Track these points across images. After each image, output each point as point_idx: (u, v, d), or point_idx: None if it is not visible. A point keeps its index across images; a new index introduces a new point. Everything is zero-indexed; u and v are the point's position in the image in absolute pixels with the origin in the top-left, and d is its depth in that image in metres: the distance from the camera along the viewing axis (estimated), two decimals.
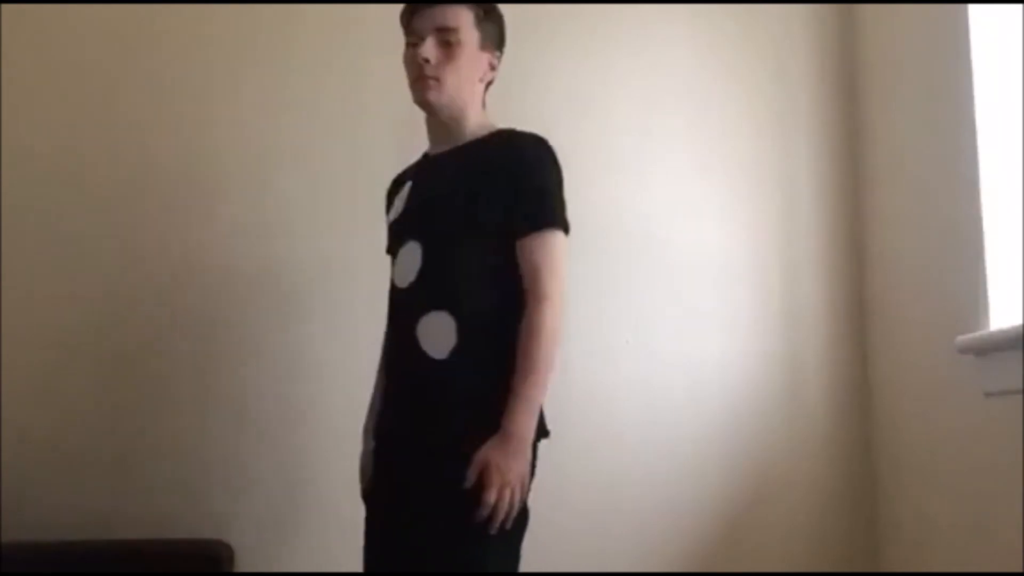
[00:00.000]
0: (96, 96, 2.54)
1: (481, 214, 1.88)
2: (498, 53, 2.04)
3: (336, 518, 2.40)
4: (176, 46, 2.57)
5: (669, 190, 2.64)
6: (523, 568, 2.41)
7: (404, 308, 1.92)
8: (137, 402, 2.45)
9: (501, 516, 1.78)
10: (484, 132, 1.98)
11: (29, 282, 2.46)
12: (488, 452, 1.78)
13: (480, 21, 1.99)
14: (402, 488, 1.85)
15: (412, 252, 1.91)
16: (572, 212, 2.58)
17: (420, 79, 1.94)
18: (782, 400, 2.59)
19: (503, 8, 2.59)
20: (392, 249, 1.99)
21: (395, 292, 1.95)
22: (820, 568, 2.53)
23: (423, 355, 1.86)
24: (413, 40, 1.97)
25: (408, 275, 1.91)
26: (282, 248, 2.52)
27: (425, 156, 2.06)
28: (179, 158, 2.53)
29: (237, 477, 2.44)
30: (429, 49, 1.92)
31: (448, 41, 1.94)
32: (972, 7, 2.14)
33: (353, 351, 2.40)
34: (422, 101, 1.97)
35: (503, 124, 2.58)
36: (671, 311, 2.59)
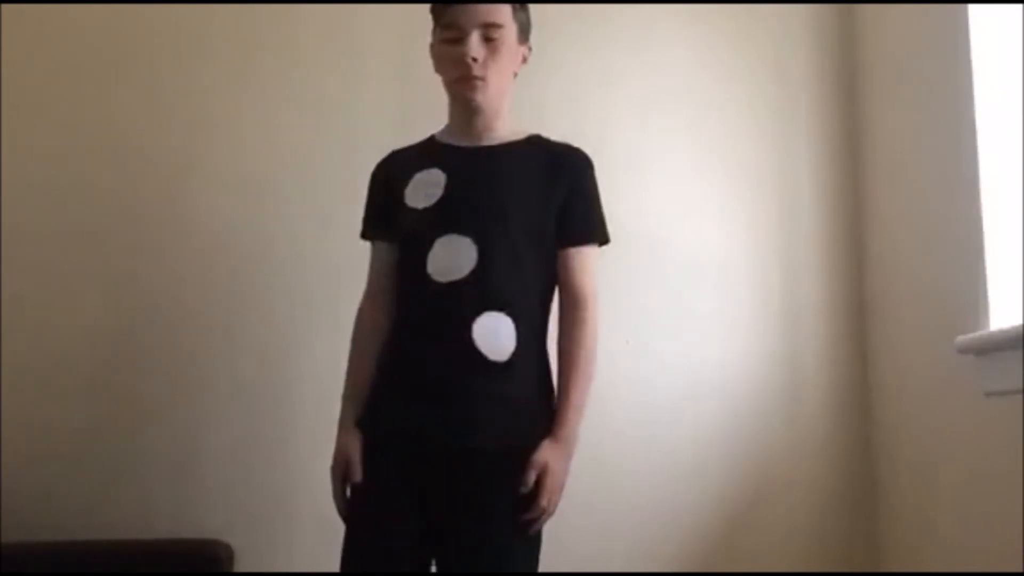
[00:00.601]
0: (96, 96, 2.54)
1: (545, 221, 1.93)
2: (529, 45, 2.02)
3: (336, 518, 2.40)
4: (176, 46, 2.57)
5: (669, 190, 2.64)
6: None
7: (450, 304, 1.86)
8: (137, 402, 2.45)
9: (548, 517, 1.87)
10: (516, 132, 2.00)
11: (28, 282, 2.46)
12: (545, 456, 1.84)
13: (516, 13, 1.97)
14: (456, 489, 1.83)
15: (459, 246, 1.87)
16: None
17: (467, 79, 1.91)
18: (782, 400, 2.59)
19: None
20: (418, 238, 1.91)
21: (432, 285, 1.87)
22: (820, 568, 2.53)
23: (479, 356, 1.85)
24: (452, 36, 1.92)
25: (456, 270, 1.87)
26: (283, 248, 2.52)
27: (449, 146, 1.99)
28: (180, 157, 2.53)
29: (237, 477, 2.44)
30: (477, 47, 1.89)
31: (491, 37, 1.91)
32: (972, 7, 2.14)
33: None
34: (468, 100, 1.94)
35: None
36: (670, 311, 2.59)
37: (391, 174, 2.01)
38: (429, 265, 1.88)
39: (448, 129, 2.02)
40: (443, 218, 1.90)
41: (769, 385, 2.59)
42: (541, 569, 2.44)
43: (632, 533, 2.51)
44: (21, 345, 2.44)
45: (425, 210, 1.92)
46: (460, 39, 1.91)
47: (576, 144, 2.59)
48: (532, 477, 1.83)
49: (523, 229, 1.91)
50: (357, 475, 1.88)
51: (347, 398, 1.97)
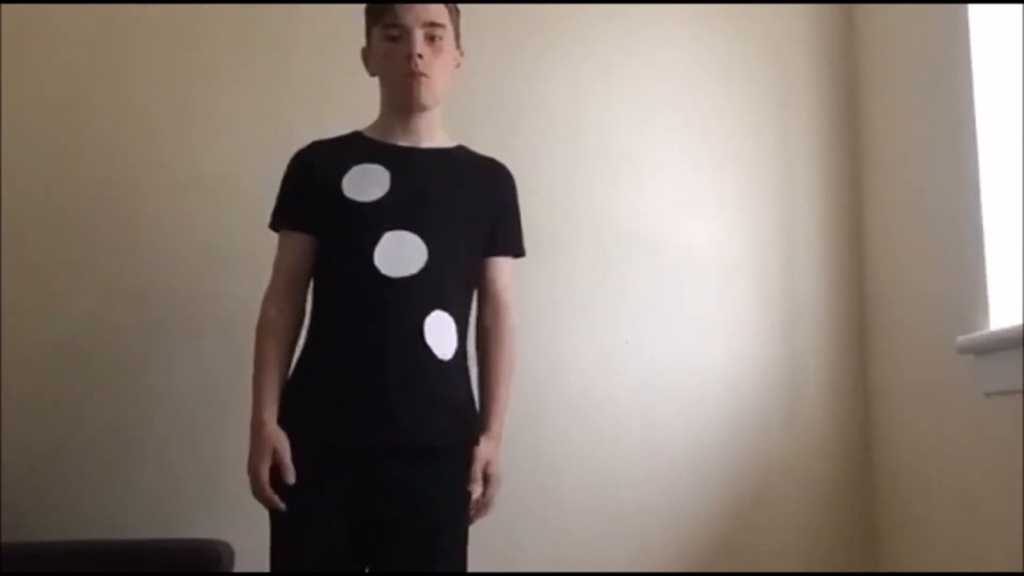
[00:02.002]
0: (95, 96, 2.54)
1: (481, 231, 1.99)
2: (461, 50, 2.05)
3: None
4: (177, 45, 2.57)
5: (668, 190, 2.64)
6: (523, 568, 2.42)
7: (399, 300, 1.87)
8: (137, 402, 2.45)
9: (489, 510, 1.94)
10: (446, 138, 2.04)
11: (29, 282, 2.46)
12: (486, 452, 1.91)
13: (452, 16, 2.00)
14: (409, 497, 1.84)
15: (409, 242, 1.89)
16: (571, 211, 2.60)
17: (412, 75, 1.91)
18: (782, 400, 2.59)
19: (503, 8, 2.62)
20: (362, 231, 1.89)
21: (380, 280, 1.86)
22: (820, 568, 2.53)
23: (431, 354, 1.88)
24: (395, 33, 1.93)
25: (406, 266, 1.88)
26: None
27: (387, 144, 1.98)
28: (178, 156, 2.53)
29: (237, 477, 2.44)
30: (421, 44, 1.91)
31: (434, 36, 1.94)
32: (972, 7, 2.14)
33: None
34: (412, 97, 1.94)
35: (503, 124, 2.59)
36: (670, 311, 2.60)
37: (322, 163, 1.97)
38: (377, 259, 1.87)
39: (380, 128, 2.02)
40: (391, 213, 1.90)
41: (769, 385, 2.59)
42: (543, 569, 2.45)
43: (632, 533, 2.51)
44: (21, 345, 2.44)
45: (371, 204, 1.91)
46: (403, 37, 1.92)
47: (576, 144, 2.61)
48: (479, 473, 1.89)
49: (462, 232, 1.96)
50: (290, 477, 1.84)
51: (266, 392, 1.89)
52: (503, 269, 2.03)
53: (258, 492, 1.86)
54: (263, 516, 2.41)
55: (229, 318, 2.49)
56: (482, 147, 2.37)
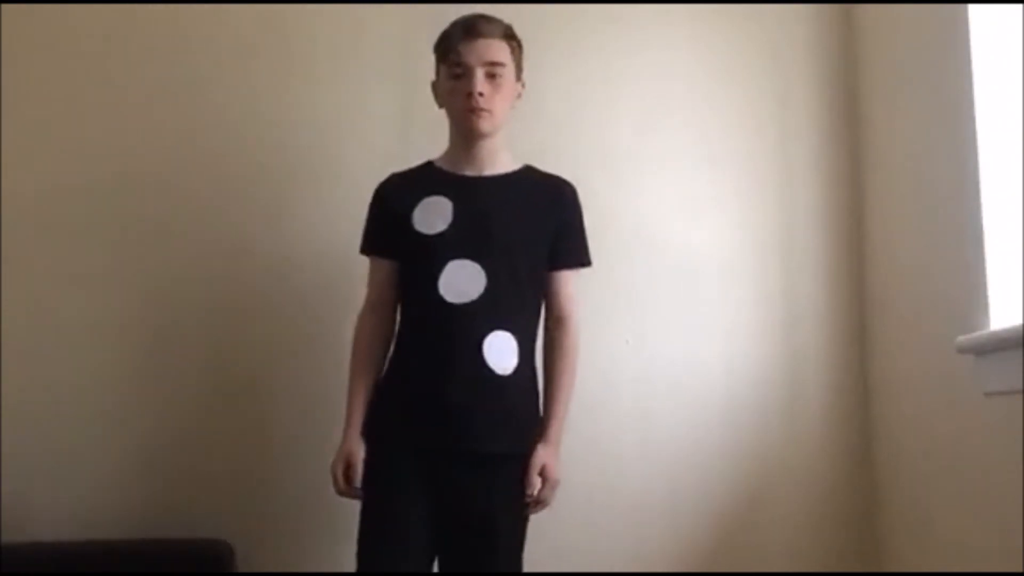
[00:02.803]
0: (97, 97, 2.54)
1: (540, 248, 2.16)
2: (523, 81, 2.22)
3: (336, 518, 2.41)
4: (180, 45, 2.57)
5: (669, 190, 2.64)
6: (523, 568, 2.41)
7: (462, 325, 2.07)
8: (137, 402, 2.46)
9: (546, 506, 2.14)
10: (512, 162, 2.21)
11: (31, 279, 2.46)
12: (543, 458, 2.11)
13: (514, 52, 2.18)
14: (473, 497, 2.05)
15: (468, 271, 2.09)
16: None
17: (474, 111, 2.10)
18: (782, 400, 2.59)
19: (503, 8, 2.61)
20: (428, 262, 2.10)
21: (444, 306, 2.07)
22: (820, 568, 2.53)
23: (489, 371, 2.07)
24: (459, 71, 2.11)
25: (467, 293, 2.08)
26: (286, 250, 2.52)
27: (453, 175, 2.17)
28: (186, 158, 2.54)
29: (237, 477, 2.45)
30: (483, 83, 2.10)
31: (494, 74, 2.12)
32: (972, 7, 2.14)
33: None
34: (474, 131, 2.13)
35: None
36: (670, 311, 2.60)
37: (395, 197, 2.18)
38: (441, 288, 2.08)
39: (449, 158, 2.20)
40: (453, 244, 2.10)
41: (769, 385, 2.59)
42: (540, 569, 2.45)
43: (632, 533, 2.51)
44: (21, 345, 2.44)
45: (435, 236, 2.11)
46: (466, 75, 2.10)
47: (576, 144, 2.61)
48: (536, 477, 2.08)
49: (522, 255, 2.13)
50: (358, 479, 2.09)
51: (354, 403, 2.14)
52: (566, 281, 2.20)
53: (335, 488, 2.12)
54: (263, 516, 2.44)
55: (231, 318, 2.49)
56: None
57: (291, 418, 2.46)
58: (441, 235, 2.11)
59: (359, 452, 2.10)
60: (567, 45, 2.65)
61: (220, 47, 2.58)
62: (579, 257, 2.22)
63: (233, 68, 2.57)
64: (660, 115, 2.66)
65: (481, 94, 2.09)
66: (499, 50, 2.13)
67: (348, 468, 2.10)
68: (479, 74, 2.10)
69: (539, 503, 2.12)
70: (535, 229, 2.16)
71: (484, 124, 2.12)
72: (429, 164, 2.23)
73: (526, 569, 2.42)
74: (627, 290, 2.59)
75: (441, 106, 2.19)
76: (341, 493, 2.12)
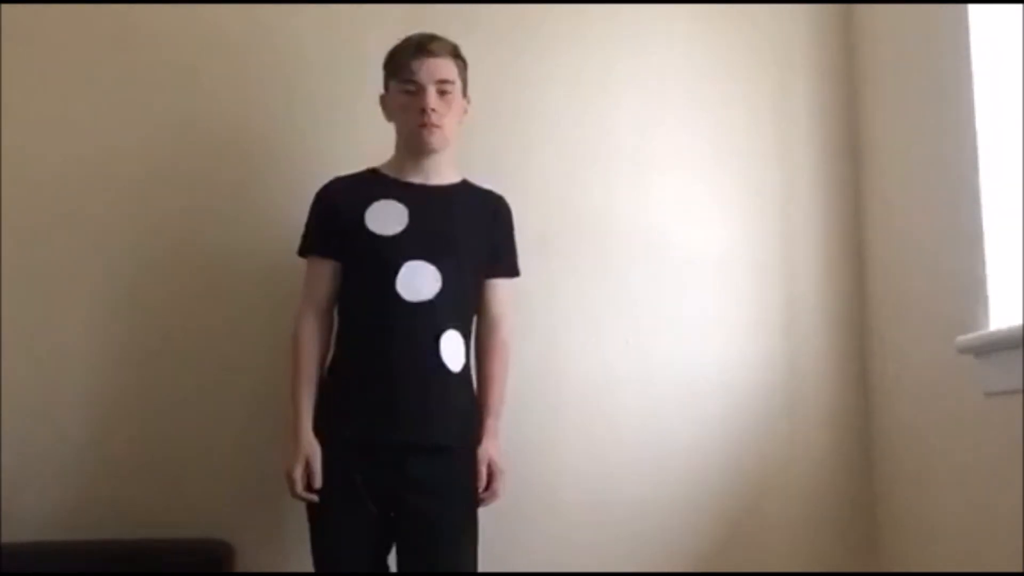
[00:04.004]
0: (96, 97, 2.54)
1: (483, 257, 2.27)
2: (468, 98, 2.30)
3: None
4: (179, 45, 2.57)
5: (668, 190, 2.64)
6: (523, 568, 2.42)
7: (419, 322, 2.16)
8: (137, 402, 2.46)
9: (498, 498, 2.21)
10: (453, 175, 2.31)
11: (30, 280, 2.46)
12: (490, 451, 2.21)
13: (461, 71, 2.26)
14: (434, 490, 2.13)
15: (424, 271, 2.17)
16: (571, 211, 2.60)
17: (425, 125, 2.19)
18: (782, 400, 2.59)
19: (504, 8, 2.62)
20: (385, 261, 2.17)
21: (401, 304, 2.15)
22: (820, 568, 2.53)
23: (445, 368, 2.17)
24: (411, 88, 2.20)
25: (422, 292, 2.16)
26: (284, 251, 2.51)
27: (403, 182, 2.26)
28: (181, 159, 2.54)
29: (237, 477, 2.45)
30: (434, 99, 2.19)
31: (445, 91, 2.21)
32: (972, 7, 2.14)
33: None
34: (426, 145, 2.22)
35: (503, 124, 2.59)
36: (670, 311, 2.59)
37: (343, 199, 2.25)
38: (399, 286, 2.16)
39: (395, 167, 2.28)
40: (408, 245, 2.18)
41: (769, 385, 2.59)
42: (541, 569, 2.46)
43: (632, 533, 2.51)
44: (22, 345, 2.44)
45: (391, 237, 2.19)
46: (417, 92, 2.20)
47: (575, 144, 2.62)
48: (485, 469, 2.18)
49: (468, 260, 2.24)
50: (318, 481, 2.13)
51: (303, 405, 2.19)
52: (501, 289, 2.31)
53: (290, 490, 2.15)
54: (263, 516, 2.43)
55: (231, 320, 2.50)
56: (483, 147, 2.38)
57: (291, 418, 2.45)
58: (397, 236, 2.18)
59: (317, 454, 2.14)
60: (567, 45, 2.65)
61: (219, 47, 2.58)
62: (514, 268, 2.35)
63: (232, 68, 2.57)
64: (660, 115, 2.66)
65: (434, 110, 2.19)
66: (449, 68, 2.22)
67: (309, 471, 2.13)
68: (431, 91, 2.19)
69: (490, 495, 2.20)
70: (478, 238, 2.28)
71: (436, 140, 2.22)
72: (374, 171, 2.29)
73: (526, 569, 2.42)
74: (627, 290, 2.59)
75: (389, 119, 2.29)
76: (299, 497, 2.14)
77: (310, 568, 2.38)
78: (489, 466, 2.19)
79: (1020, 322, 1.96)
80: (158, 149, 2.54)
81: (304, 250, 2.28)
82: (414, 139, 2.23)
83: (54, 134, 2.52)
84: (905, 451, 2.45)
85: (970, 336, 2.09)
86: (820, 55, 2.70)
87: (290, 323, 2.46)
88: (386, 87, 2.28)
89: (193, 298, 2.50)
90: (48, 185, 2.50)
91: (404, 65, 2.21)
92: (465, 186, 2.33)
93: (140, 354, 2.47)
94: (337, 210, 2.24)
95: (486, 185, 2.36)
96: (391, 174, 2.28)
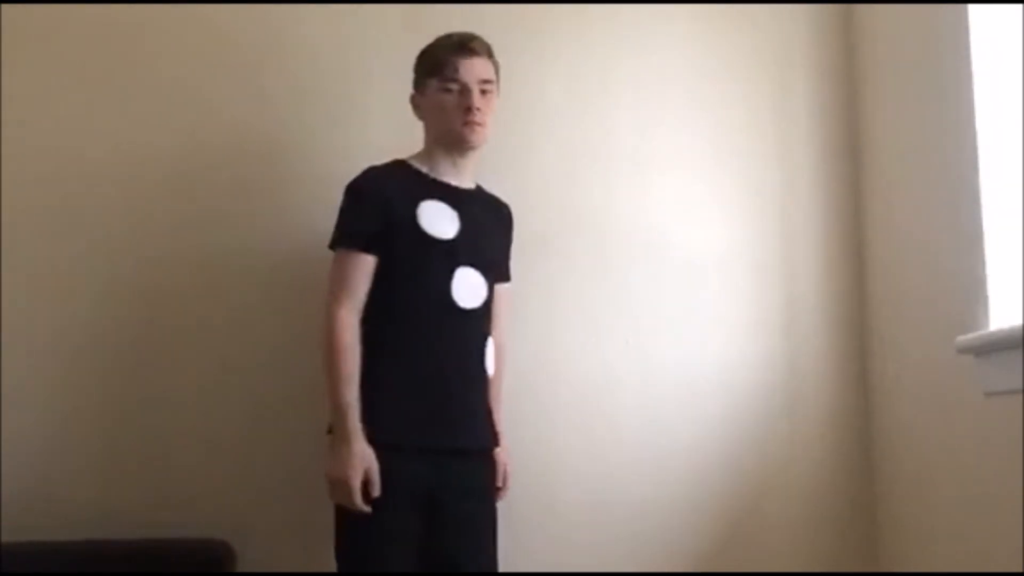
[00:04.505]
0: (96, 96, 2.54)
1: (502, 262, 2.35)
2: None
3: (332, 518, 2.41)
4: (179, 44, 2.56)
5: (669, 190, 2.64)
6: (523, 568, 2.42)
7: (470, 328, 2.19)
8: (137, 402, 2.45)
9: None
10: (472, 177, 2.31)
11: (30, 280, 2.46)
12: (504, 456, 2.29)
13: (497, 71, 2.27)
14: (474, 492, 2.17)
15: (475, 279, 2.19)
16: (572, 213, 2.61)
17: (469, 124, 2.19)
18: (782, 400, 2.59)
19: (504, 8, 2.62)
20: (440, 265, 2.15)
21: (456, 310, 2.16)
22: (820, 568, 2.53)
23: (486, 373, 2.23)
24: (453, 87, 2.19)
25: (473, 299, 2.18)
26: (283, 249, 2.52)
27: (445, 184, 2.23)
28: (183, 157, 2.53)
29: (237, 477, 2.45)
30: (479, 98, 2.19)
31: (485, 91, 2.22)
32: (972, 7, 2.14)
33: None
34: (468, 143, 2.22)
35: (503, 124, 2.59)
36: (670, 311, 2.59)
37: (394, 194, 2.18)
38: (454, 292, 2.15)
39: (429, 165, 2.25)
40: (461, 252, 2.18)
41: (769, 385, 2.59)
42: (541, 569, 2.46)
43: (632, 534, 2.51)
44: (22, 344, 2.44)
45: (447, 241, 2.16)
46: (463, 91, 2.19)
47: (575, 145, 2.62)
48: (503, 470, 2.28)
49: (495, 268, 2.29)
50: (377, 490, 2.05)
51: (353, 406, 2.09)
52: (502, 293, 2.33)
53: (346, 499, 2.05)
54: (263, 516, 2.43)
55: (231, 318, 2.49)
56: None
57: (291, 418, 2.45)
58: (452, 241, 2.16)
59: (375, 461, 2.06)
60: (567, 45, 2.65)
61: (219, 47, 2.57)
62: (509, 272, 2.38)
63: (232, 67, 2.57)
64: (660, 115, 2.66)
65: (478, 108, 2.18)
66: (489, 68, 2.23)
67: (367, 477, 2.05)
68: (476, 90, 2.19)
69: (504, 494, 2.29)
70: (501, 245, 2.34)
71: (478, 137, 2.21)
72: (406, 165, 2.25)
73: (525, 569, 2.43)
74: (627, 290, 2.59)
75: (422, 119, 2.26)
76: (354, 506, 2.05)
77: (310, 568, 2.39)
78: (504, 467, 2.28)
79: (1020, 322, 1.96)
80: (159, 149, 2.53)
81: (344, 243, 2.17)
82: (455, 137, 2.21)
83: (54, 135, 2.52)
84: (905, 451, 2.45)
85: (970, 336, 2.09)
86: (820, 55, 2.71)
87: (290, 323, 2.48)
88: (419, 86, 2.25)
89: (194, 298, 2.49)
90: (49, 185, 2.50)
91: (446, 64, 2.19)
92: (480, 191, 2.33)
93: (140, 354, 2.47)
94: (390, 205, 2.16)
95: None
96: (432, 174, 2.24)
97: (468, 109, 2.18)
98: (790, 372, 2.60)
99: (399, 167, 2.24)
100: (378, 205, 2.17)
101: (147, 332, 2.48)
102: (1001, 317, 2.07)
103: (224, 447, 2.45)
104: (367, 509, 2.04)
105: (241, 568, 2.34)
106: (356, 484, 2.04)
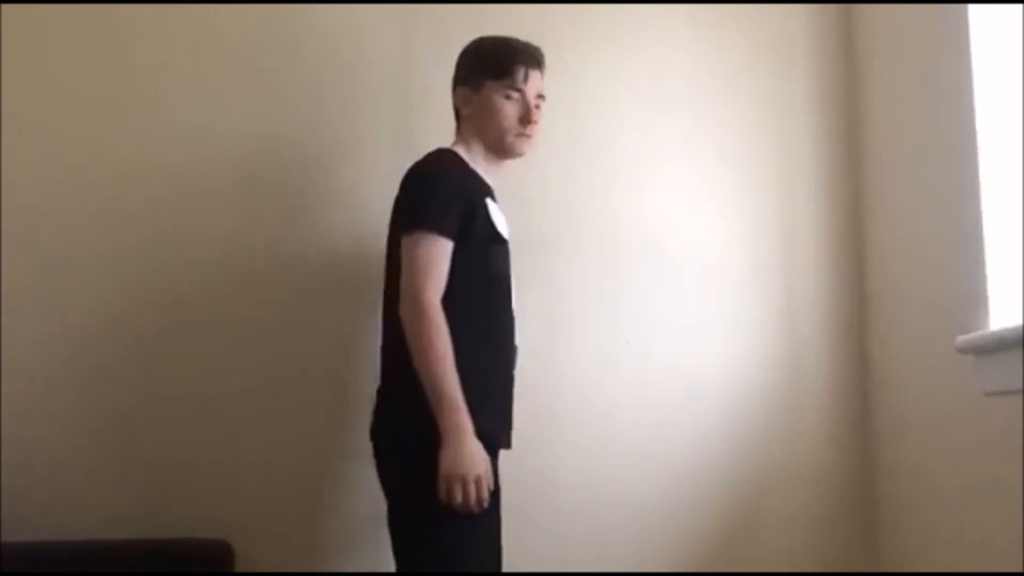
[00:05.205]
0: (96, 96, 2.53)
1: None
2: None
3: (336, 518, 2.41)
4: (179, 45, 2.56)
5: (669, 191, 2.64)
6: (522, 568, 2.42)
7: (514, 331, 2.17)
8: (137, 402, 2.45)
9: None
10: None
11: (29, 281, 2.46)
12: None
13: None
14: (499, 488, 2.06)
15: (512, 284, 2.17)
16: (572, 213, 2.60)
17: (523, 136, 2.19)
18: (782, 400, 2.59)
19: (504, 8, 2.62)
20: (506, 266, 2.14)
21: (511, 311, 2.15)
22: (820, 568, 2.53)
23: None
24: (514, 95, 2.18)
25: (516, 302, 2.17)
26: (283, 250, 2.52)
27: (483, 180, 2.20)
28: (184, 156, 2.53)
29: (237, 477, 2.44)
30: (537, 113, 2.20)
31: (538, 106, 2.22)
32: (972, 7, 2.14)
33: (355, 352, 2.41)
34: (516, 152, 2.21)
35: None
36: (671, 312, 2.59)
37: (469, 187, 2.13)
38: (514, 292, 2.16)
39: (474, 162, 2.20)
40: (509, 253, 2.18)
41: (769, 385, 2.59)
42: (540, 569, 2.46)
43: (632, 534, 2.51)
44: (21, 344, 2.43)
45: (507, 242, 2.16)
46: (523, 101, 2.18)
47: (576, 145, 2.62)
48: None
49: None
50: (492, 484, 1.96)
51: (460, 395, 1.94)
52: None
53: (470, 497, 1.91)
54: (263, 516, 2.43)
55: (232, 320, 2.49)
56: None
57: (291, 418, 2.45)
58: (508, 243, 2.16)
59: (486, 454, 1.96)
60: (568, 45, 2.65)
61: (219, 47, 2.57)
62: None
63: (233, 67, 2.57)
64: (660, 115, 2.66)
65: (535, 123, 2.19)
66: (543, 86, 2.24)
67: (486, 476, 1.94)
68: (533, 104, 2.19)
69: None
70: None
71: (527, 148, 2.22)
72: (459, 157, 2.18)
73: (526, 569, 2.42)
74: (627, 290, 2.59)
75: (470, 115, 2.21)
76: (480, 504, 1.92)
77: (310, 568, 2.39)
78: None
79: (1020, 322, 1.96)
80: (160, 149, 2.53)
81: (435, 226, 2.03)
82: (507, 145, 2.20)
83: (54, 135, 2.52)
84: (905, 451, 2.45)
85: (970, 336, 2.09)
86: (820, 55, 2.71)
87: (291, 323, 2.48)
88: (474, 83, 2.20)
89: (195, 299, 2.49)
90: (48, 185, 2.50)
91: (515, 71, 2.17)
92: None
93: (141, 354, 2.47)
94: (470, 196, 2.10)
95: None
96: (481, 173, 2.20)
97: (528, 122, 2.18)
98: (790, 372, 2.60)
99: (458, 159, 2.18)
100: (462, 194, 2.09)
101: (148, 332, 2.48)
102: (1001, 317, 2.07)
103: (224, 447, 2.45)
104: (485, 507, 1.93)
105: (241, 568, 2.34)
106: (483, 485, 1.92)
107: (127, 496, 2.41)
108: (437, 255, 2.01)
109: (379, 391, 2.13)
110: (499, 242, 2.13)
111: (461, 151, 2.20)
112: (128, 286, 2.49)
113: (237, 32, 2.58)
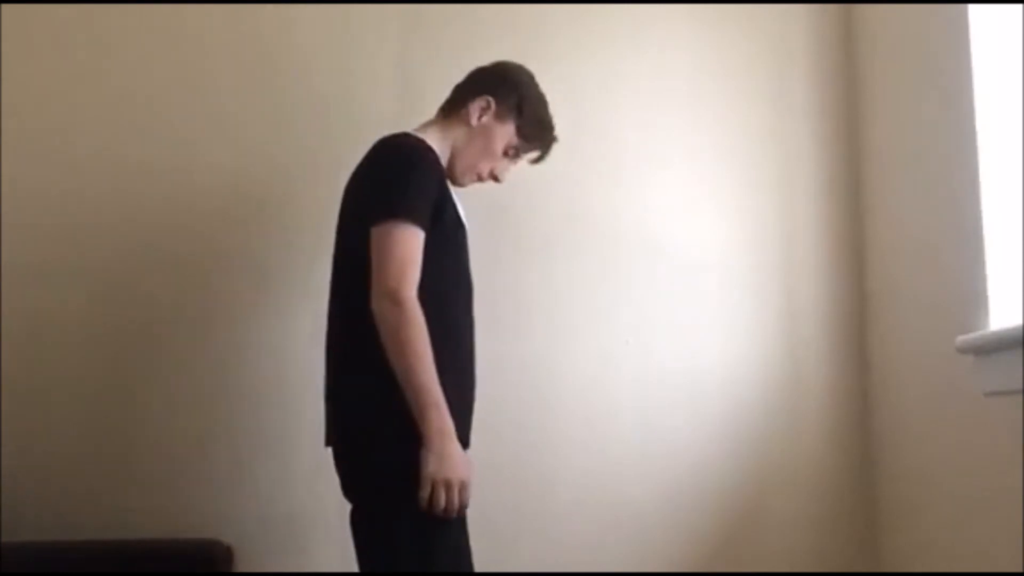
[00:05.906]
0: (95, 96, 2.54)
1: None
2: None
3: (336, 518, 2.40)
4: (178, 45, 2.56)
5: (669, 191, 2.64)
6: (522, 568, 2.42)
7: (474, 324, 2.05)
8: (137, 402, 2.45)
9: None
10: None
11: (28, 281, 2.46)
12: None
13: None
14: None
15: None
16: (571, 212, 2.60)
17: (480, 180, 2.14)
18: (782, 400, 2.59)
19: (504, 8, 2.62)
20: (467, 258, 2.04)
21: (472, 303, 2.03)
22: (820, 568, 2.53)
23: None
24: (514, 154, 2.16)
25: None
26: (282, 251, 2.52)
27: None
28: (179, 158, 2.53)
29: (237, 477, 2.45)
30: (505, 174, 2.17)
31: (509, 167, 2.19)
32: (972, 7, 2.14)
33: None
34: (459, 185, 2.12)
35: None
36: (671, 312, 2.59)
37: (441, 174, 2.00)
38: (472, 283, 2.04)
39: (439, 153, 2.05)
40: None
41: (769, 385, 2.59)
42: (541, 568, 2.46)
43: (632, 534, 2.51)
44: (21, 345, 2.44)
45: (466, 229, 2.06)
46: (508, 162, 2.15)
47: (576, 145, 2.62)
48: None
49: None
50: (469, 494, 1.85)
51: (443, 400, 1.82)
52: None
53: (454, 501, 1.81)
54: (263, 516, 2.43)
55: (231, 321, 2.49)
56: None
57: (291, 419, 2.45)
58: (466, 230, 2.07)
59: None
60: (568, 45, 2.65)
61: (218, 47, 2.58)
62: None
63: (232, 67, 2.57)
64: (660, 115, 2.66)
65: (497, 182, 2.17)
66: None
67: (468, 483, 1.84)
68: (510, 166, 2.17)
69: None
70: None
71: (466, 185, 2.16)
72: (427, 143, 2.01)
73: (525, 569, 2.43)
74: (627, 290, 2.59)
75: (472, 127, 2.09)
76: (462, 507, 1.83)
77: (310, 568, 2.39)
78: None
79: (1020, 322, 1.96)
80: (156, 149, 2.53)
81: (411, 216, 1.87)
82: (466, 178, 2.13)
83: (54, 135, 2.52)
84: (905, 451, 2.45)
85: (970, 336, 2.09)
86: (820, 55, 2.70)
87: (291, 324, 2.47)
88: (501, 108, 2.09)
89: (194, 299, 2.49)
90: (47, 185, 2.50)
91: (534, 144, 2.17)
92: None
93: (140, 353, 2.47)
94: (444, 183, 1.97)
95: (486, 185, 2.34)
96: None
97: (495, 178, 2.16)
98: (790, 372, 2.60)
99: (427, 144, 2.00)
100: (436, 181, 1.95)
101: (148, 333, 2.48)
102: (1001, 317, 2.07)
103: (224, 447, 2.45)
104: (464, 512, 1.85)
105: (241, 568, 2.34)
106: (466, 488, 1.82)
107: (127, 496, 2.41)
108: (413, 247, 1.87)
109: (330, 396, 1.99)
110: (463, 229, 2.02)
111: (431, 139, 2.03)
112: (130, 287, 2.49)
113: (234, 33, 2.58)
